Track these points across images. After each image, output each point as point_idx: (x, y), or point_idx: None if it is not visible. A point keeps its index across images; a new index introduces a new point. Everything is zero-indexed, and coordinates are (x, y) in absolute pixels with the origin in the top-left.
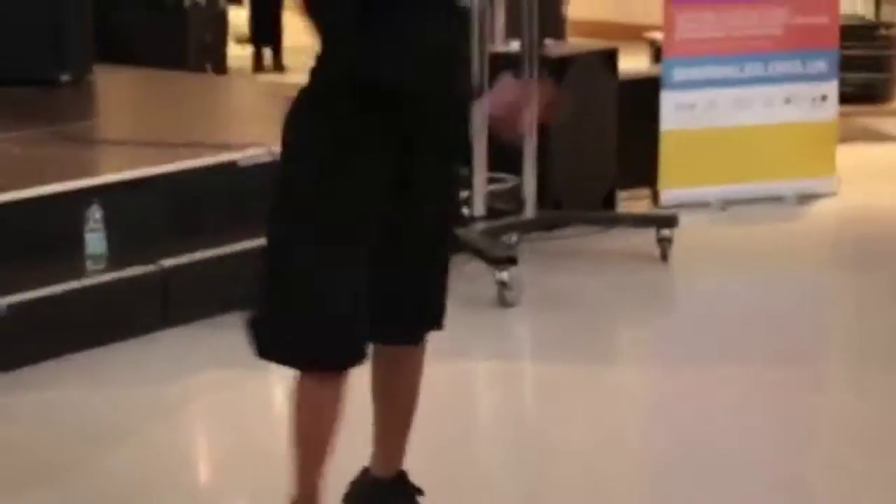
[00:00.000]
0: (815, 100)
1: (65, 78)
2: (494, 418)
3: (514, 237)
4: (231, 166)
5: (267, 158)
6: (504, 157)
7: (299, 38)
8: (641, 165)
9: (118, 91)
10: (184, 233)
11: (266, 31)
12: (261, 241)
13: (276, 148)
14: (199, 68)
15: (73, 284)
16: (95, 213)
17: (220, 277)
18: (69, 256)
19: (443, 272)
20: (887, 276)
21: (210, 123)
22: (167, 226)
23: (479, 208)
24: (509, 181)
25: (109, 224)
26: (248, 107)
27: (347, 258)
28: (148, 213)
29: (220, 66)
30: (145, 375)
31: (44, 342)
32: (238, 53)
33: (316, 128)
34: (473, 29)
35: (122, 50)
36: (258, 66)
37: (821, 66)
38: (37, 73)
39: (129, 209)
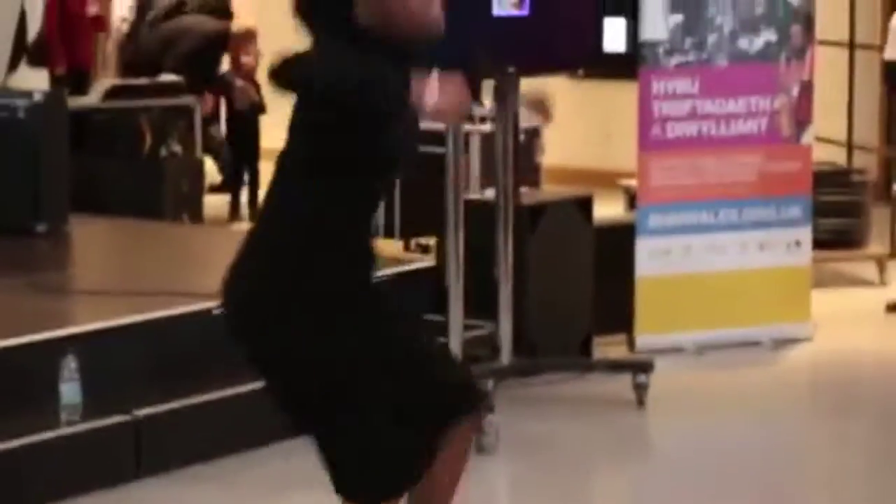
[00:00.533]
0: (790, 245)
1: (41, 228)
2: None
3: (490, 383)
4: (205, 315)
5: None
6: (480, 304)
7: None
8: (617, 311)
9: (94, 241)
10: (159, 382)
11: (240, 179)
12: (234, 390)
13: None
14: (175, 218)
15: (48, 435)
16: (70, 363)
17: (194, 427)
18: (44, 406)
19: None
20: (864, 421)
21: (185, 272)
22: (142, 375)
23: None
24: (485, 328)
25: (84, 374)
26: (223, 256)
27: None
28: (123, 362)
29: (196, 215)
30: None
31: (17, 493)
32: (215, 202)
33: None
34: (448, 176)
35: (99, 200)
36: (234, 215)
37: (794, 211)
38: (13, 223)
39: (104, 359)
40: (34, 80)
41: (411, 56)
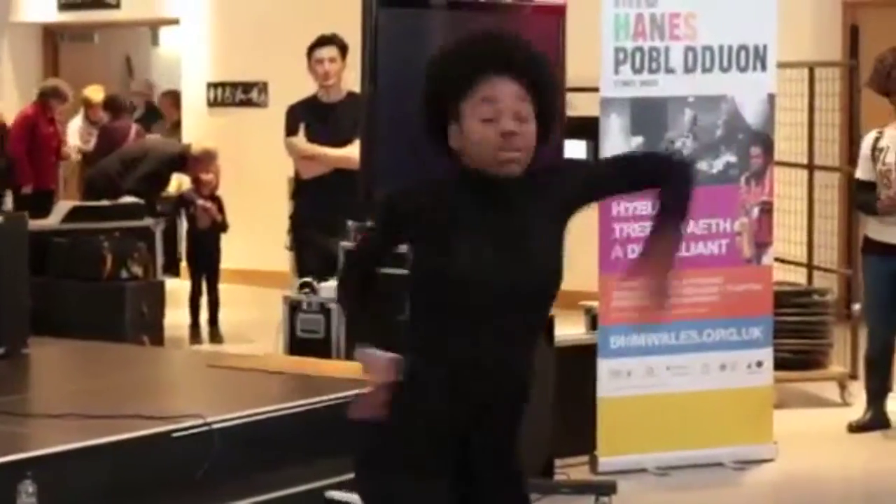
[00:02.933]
0: (751, 366)
1: None
2: None
3: None
4: (165, 438)
5: (201, 429)
6: None
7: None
8: (579, 432)
9: (53, 364)
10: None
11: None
12: None
13: (211, 418)
14: (135, 340)
15: None
16: (28, 487)
17: None
18: None
19: None
20: None
21: (145, 395)
22: (101, 499)
23: None
24: None
25: (42, 498)
26: (184, 378)
27: None
28: (81, 485)
29: (157, 337)
30: None
31: None
32: (176, 323)
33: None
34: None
35: (59, 322)
36: (195, 337)
37: (756, 332)
38: None
39: (63, 482)
40: None
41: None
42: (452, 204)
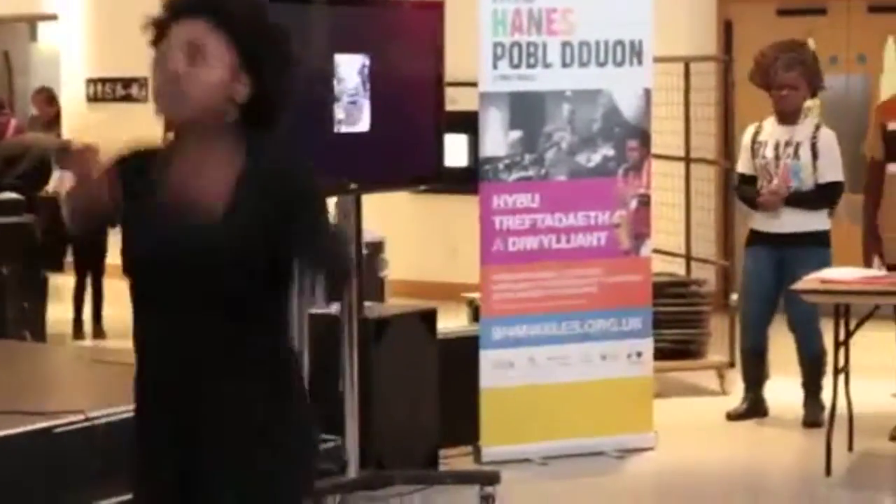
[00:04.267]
0: (631, 356)
1: None
2: None
3: (336, 498)
4: (47, 434)
5: (83, 424)
6: (326, 418)
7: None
8: (463, 423)
9: None
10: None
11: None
12: None
13: (92, 414)
14: (17, 335)
15: None
16: None
17: None
18: None
19: None
20: None
21: (27, 391)
22: None
23: None
24: (332, 441)
25: None
26: (66, 374)
27: None
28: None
29: (38, 332)
30: None
31: None
32: (59, 318)
33: None
34: (293, 289)
35: None
36: (78, 332)
37: (635, 323)
38: None
39: None
40: None
41: None
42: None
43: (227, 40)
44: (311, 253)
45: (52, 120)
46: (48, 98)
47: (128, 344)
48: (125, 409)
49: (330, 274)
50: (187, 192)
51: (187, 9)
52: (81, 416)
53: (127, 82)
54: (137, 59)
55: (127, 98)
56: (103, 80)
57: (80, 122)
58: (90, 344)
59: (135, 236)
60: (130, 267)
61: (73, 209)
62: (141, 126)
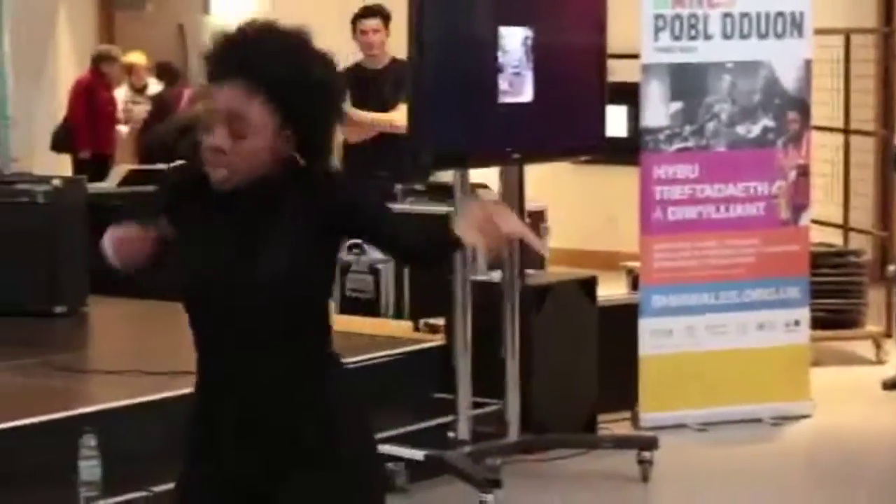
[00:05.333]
0: (788, 325)
1: (60, 310)
2: None
3: (497, 460)
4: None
5: None
6: (488, 383)
7: None
8: (621, 389)
9: (111, 322)
10: (175, 459)
11: None
12: None
13: None
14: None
15: None
16: (89, 441)
17: None
18: (63, 483)
19: None
20: (861, 493)
21: (160, 353)
22: (158, 452)
23: (463, 432)
24: (493, 405)
25: (103, 451)
26: None
27: None
28: (140, 439)
29: None
30: None
31: None
32: None
33: None
34: (456, 260)
35: (116, 282)
36: None
37: (793, 292)
38: (33, 305)
39: (122, 436)
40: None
41: None
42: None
43: (267, 102)
44: (404, 239)
45: None
46: None
47: None
48: None
49: (430, 249)
50: (249, 245)
51: (226, 72)
52: None
53: None
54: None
55: None
56: None
57: None
58: None
59: (192, 272)
60: (186, 298)
61: (116, 256)
62: None
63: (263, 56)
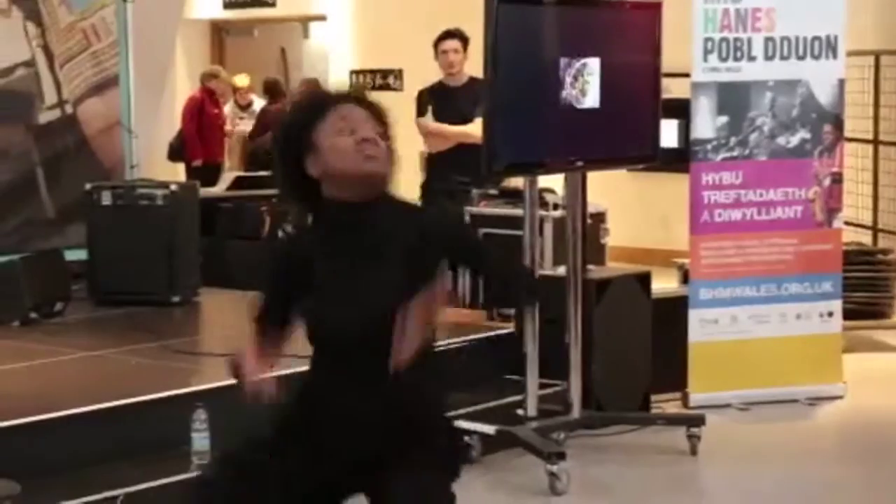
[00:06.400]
0: (823, 315)
1: (175, 299)
2: None
3: (561, 434)
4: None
5: None
6: (553, 366)
7: None
8: (673, 372)
9: (221, 310)
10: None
11: None
12: None
13: None
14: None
15: (181, 477)
16: (201, 416)
17: None
18: (178, 452)
19: None
20: (890, 467)
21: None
22: (262, 426)
23: (531, 409)
24: (558, 386)
25: (212, 424)
26: None
27: None
28: (246, 415)
29: None
30: None
31: None
32: None
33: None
34: (525, 255)
35: (226, 275)
36: None
37: (827, 287)
38: (152, 294)
39: (230, 412)
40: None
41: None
42: (312, 249)
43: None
44: (503, 269)
45: None
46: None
47: None
48: None
49: (522, 283)
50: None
51: (351, 99)
52: None
53: (385, 73)
54: (394, 54)
55: (385, 87)
56: (365, 72)
57: None
58: None
59: (327, 316)
60: (323, 338)
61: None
62: (395, 112)
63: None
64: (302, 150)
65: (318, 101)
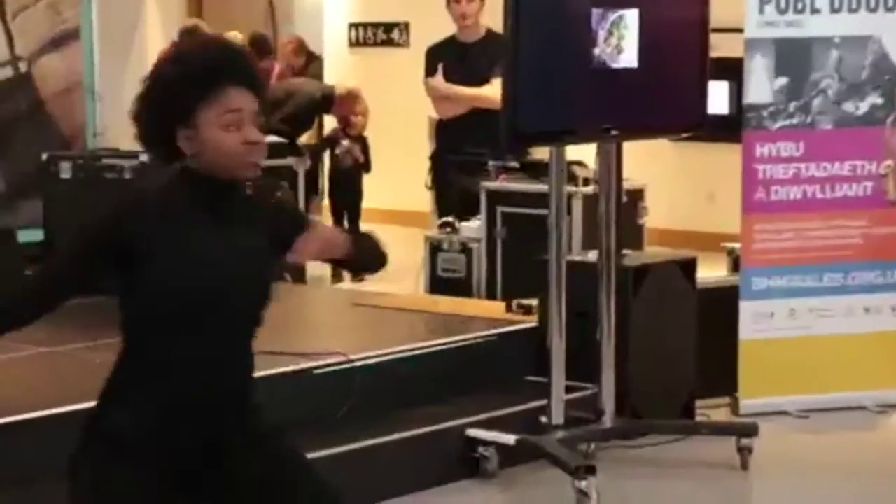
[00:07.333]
0: (895, 309)
1: None
2: None
3: (591, 446)
4: (308, 374)
5: (343, 366)
6: (582, 366)
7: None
8: (720, 374)
9: None
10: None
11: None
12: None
13: (353, 356)
14: (278, 278)
15: None
16: None
17: None
18: None
19: None
20: None
21: (288, 332)
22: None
23: (556, 416)
24: (587, 389)
25: None
26: (326, 316)
27: None
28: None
29: (299, 275)
30: None
31: None
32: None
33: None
34: (550, 237)
35: None
36: (336, 276)
37: None
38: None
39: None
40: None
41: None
42: (173, 214)
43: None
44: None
45: (300, 70)
46: (295, 49)
47: (386, 287)
48: (385, 352)
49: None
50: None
51: (236, 79)
52: (343, 358)
53: (388, 27)
54: (399, 5)
55: (388, 43)
56: (365, 25)
57: (341, 66)
58: (348, 287)
59: (180, 267)
60: (169, 294)
61: None
62: (400, 71)
63: (259, 76)
64: (177, 120)
65: (205, 73)
